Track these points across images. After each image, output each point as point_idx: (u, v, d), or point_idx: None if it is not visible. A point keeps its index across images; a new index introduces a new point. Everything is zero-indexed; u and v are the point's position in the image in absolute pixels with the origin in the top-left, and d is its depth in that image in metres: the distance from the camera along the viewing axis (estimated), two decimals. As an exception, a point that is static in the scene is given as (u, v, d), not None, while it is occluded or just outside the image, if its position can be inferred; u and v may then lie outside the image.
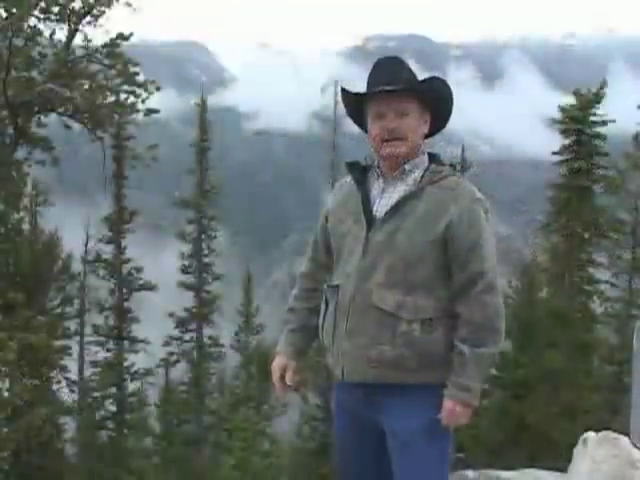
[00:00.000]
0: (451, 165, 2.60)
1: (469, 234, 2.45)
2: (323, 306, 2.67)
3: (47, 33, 14.02)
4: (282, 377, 2.76)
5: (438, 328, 2.47)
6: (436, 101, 2.58)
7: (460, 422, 2.50)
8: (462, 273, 2.46)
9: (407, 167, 2.55)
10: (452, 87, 2.63)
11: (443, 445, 2.60)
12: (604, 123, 16.38)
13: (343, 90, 2.66)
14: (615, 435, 4.30)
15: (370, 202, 2.57)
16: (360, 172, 2.65)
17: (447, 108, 2.64)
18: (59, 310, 18.75)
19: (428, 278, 2.47)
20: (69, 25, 14.05)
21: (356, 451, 2.75)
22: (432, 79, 2.57)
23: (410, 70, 2.58)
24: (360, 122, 2.69)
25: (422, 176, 2.54)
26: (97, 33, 14.28)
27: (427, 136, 2.64)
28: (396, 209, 2.49)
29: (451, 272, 2.49)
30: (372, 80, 2.56)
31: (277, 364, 2.78)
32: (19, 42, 13.33)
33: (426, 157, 2.61)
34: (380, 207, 2.54)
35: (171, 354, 21.86)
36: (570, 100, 16.59)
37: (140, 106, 14.45)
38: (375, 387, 2.55)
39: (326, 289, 2.68)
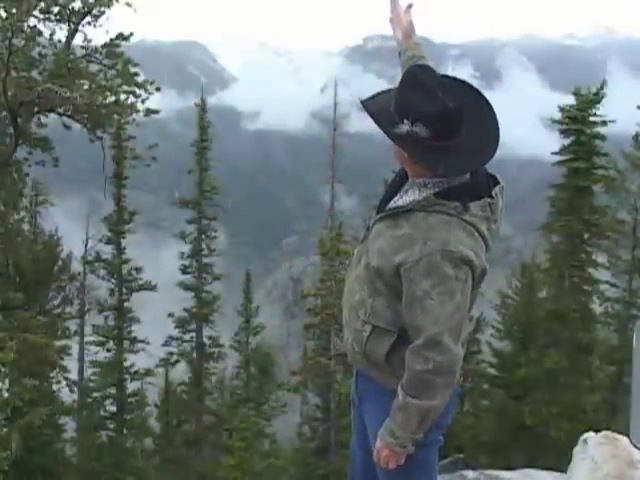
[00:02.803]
0: (464, 205, 2.33)
1: (421, 283, 2.28)
2: None
3: (47, 33, 14.03)
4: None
5: (387, 340, 2.44)
6: (390, 137, 2.34)
7: (390, 465, 2.45)
8: (407, 320, 2.36)
9: (417, 180, 2.43)
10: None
11: (416, 453, 2.51)
12: (604, 123, 16.36)
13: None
14: (615, 435, 4.30)
15: (393, 196, 2.55)
16: None
17: (403, 141, 2.31)
18: (59, 310, 18.75)
19: (386, 292, 2.44)
20: (69, 25, 14.03)
21: (361, 443, 2.80)
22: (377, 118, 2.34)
23: (396, 94, 2.33)
24: None
25: (422, 199, 2.39)
26: (97, 33, 14.29)
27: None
28: (391, 215, 2.45)
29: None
30: None
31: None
32: (19, 42, 13.31)
33: (437, 183, 2.38)
34: (391, 204, 2.52)
35: (171, 354, 21.85)
36: (570, 100, 16.58)
37: (140, 106, 14.43)
38: (359, 376, 2.67)
39: None
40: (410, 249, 2.31)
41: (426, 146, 2.29)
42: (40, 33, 13.81)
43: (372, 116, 2.36)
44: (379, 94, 2.47)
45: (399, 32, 2.87)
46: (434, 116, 2.26)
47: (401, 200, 2.48)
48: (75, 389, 19.45)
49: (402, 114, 2.29)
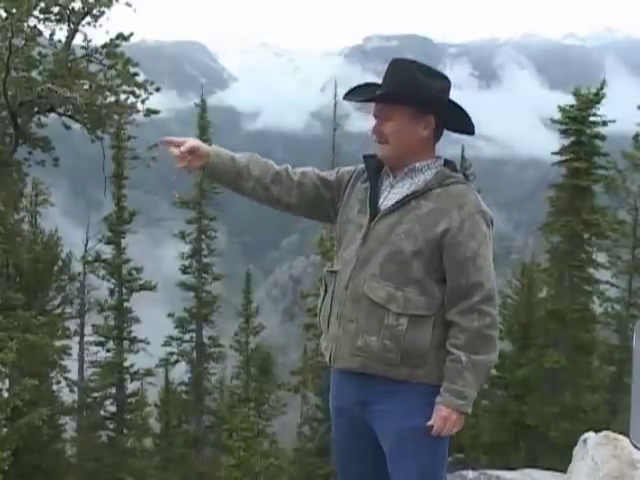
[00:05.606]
0: (464, 175, 2.60)
1: (469, 243, 2.45)
2: (322, 291, 2.75)
3: (47, 33, 14.04)
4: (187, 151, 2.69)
5: (427, 326, 2.48)
6: (424, 104, 2.49)
7: (453, 430, 2.48)
8: (460, 282, 2.46)
9: (418, 165, 2.56)
10: (452, 87, 2.56)
11: (437, 446, 2.56)
12: (604, 123, 16.36)
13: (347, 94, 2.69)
14: (615, 435, 4.30)
15: (378, 195, 2.61)
16: (375, 165, 2.66)
17: (436, 104, 2.51)
18: (59, 310, 18.75)
19: (421, 276, 2.48)
20: (69, 25, 14.04)
21: (355, 453, 2.74)
22: (397, 85, 2.48)
23: (405, 74, 2.48)
24: None
25: (433, 177, 2.54)
26: (97, 33, 14.30)
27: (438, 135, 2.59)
28: (401, 204, 2.52)
29: (448, 278, 2.49)
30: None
31: (194, 141, 2.71)
32: (19, 42, 13.32)
33: (441, 160, 2.61)
34: (387, 201, 2.57)
35: (171, 354, 21.85)
36: (570, 100, 16.58)
37: (140, 106, 14.44)
38: (364, 381, 2.56)
39: (325, 274, 2.75)
40: (448, 217, 2.47)
41: (452, 110, 2.56)
42: (40, 33, 13.82)
43: (403, 96, 2.49)
44: (358, 88, 2.64)
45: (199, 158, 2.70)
46: (449, 88, 2.55)
47: (392, 195, 2.58)
48: (75, 389, 19.46)
49: (427, 90, 2.48)
